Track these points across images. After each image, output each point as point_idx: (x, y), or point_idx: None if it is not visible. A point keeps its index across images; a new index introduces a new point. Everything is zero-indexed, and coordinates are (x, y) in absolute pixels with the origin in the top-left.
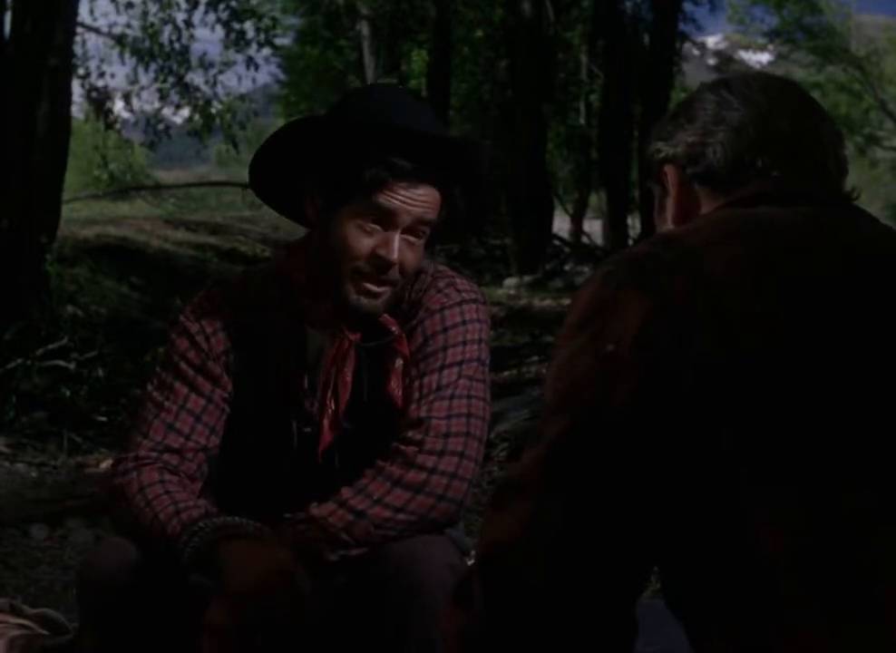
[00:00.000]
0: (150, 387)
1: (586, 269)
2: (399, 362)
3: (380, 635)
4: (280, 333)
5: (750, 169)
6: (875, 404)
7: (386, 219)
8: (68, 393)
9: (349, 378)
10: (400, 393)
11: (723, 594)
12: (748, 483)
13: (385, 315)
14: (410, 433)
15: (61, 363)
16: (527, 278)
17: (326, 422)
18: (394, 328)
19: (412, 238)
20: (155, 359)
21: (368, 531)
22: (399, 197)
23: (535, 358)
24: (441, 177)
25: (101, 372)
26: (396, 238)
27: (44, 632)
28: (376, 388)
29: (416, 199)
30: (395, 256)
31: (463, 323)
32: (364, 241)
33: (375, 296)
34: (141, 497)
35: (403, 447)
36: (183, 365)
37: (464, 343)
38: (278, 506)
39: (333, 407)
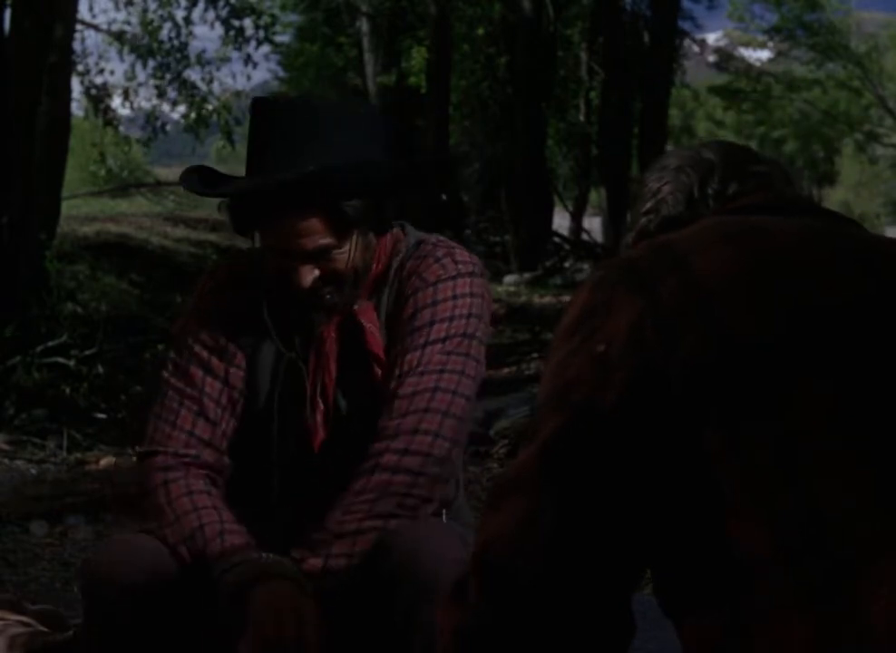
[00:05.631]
0: (166, 373)
1: (586, 266)
2: (376, 348)
3: (387, 631)
4: (281, 314)
5: (703, 200)
6: (862, 405)
7: (280, 253)
8: (68, 389)
9: (334, 374)
10: (380, 374)
11: (704, 588)
12: (732, 482)
13: (366, 305)
14: (382, 418)
15: (60, 360)
16: (527, 275)
17: (318, 417)
18: (365, 323)
19: (321, 261)
20: (156, 357)
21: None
22: (272, 237)
23: (535, 355)
24: (308, 203)
25: (100, 369)
26: (299, 269)
27: (45, 629)
28: (361, 376)
29: (290, 232)
30: (304, 283)
31: (454, 298)
32: (278, 269)
33: (319, 297)
34: (189, 501)
35: (376, 444)
36: (197, 348)
37: (451, 319)
38: (276, 494)
39: (322, 406)
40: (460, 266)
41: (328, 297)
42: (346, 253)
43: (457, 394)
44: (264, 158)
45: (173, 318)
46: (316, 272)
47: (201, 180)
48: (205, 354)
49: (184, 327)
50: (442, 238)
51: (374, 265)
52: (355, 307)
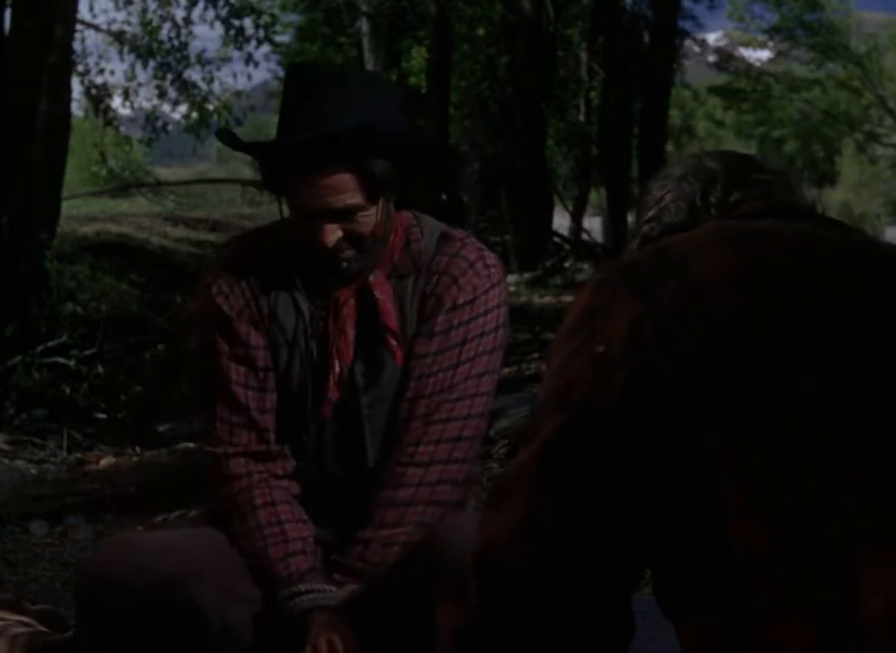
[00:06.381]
0: (200, 365)
1: (586, 266)
2: (389, 321)
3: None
4: (301, 282)
5: (705, 208)
6: (862, 405)
7: (306, 212)
8: (68, 390)
9: (352, 338)
10: (399, 351)
11: (704, 588)
12: (732, 482)
13: (381, 279)
14: (412, 439)
15: (60, 360)
16: (527, 275)
17: (332, 380)
18: (378, 295)
19: (345, 222)
20: (156, 357)
21: (380, 552)
22: (302, 193)
23: (535, 355)
24: (340, 160)
25: (100, 369)
26: (324, 228)
27: (45, 629)
28: (374, 345)
29: (319, 191)
30: (327, 242)
31: (485, 313)
32: (304, 230)
33: (339, 260)
34: (254, 520)
35: (396, 466)
36: (224, 334)
37: (482, 334)
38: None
39: (338, 367)
40: (492, 272)
41: (347, 263)
42: (372, 216)
43: (483, 417)
44: (297, 119)
45: (173, 318)
46: (340, 233)
47: (234, 138)
48: (236, 348)
49: (208, 309)
50: (465, 233)
51: (393, 237)
52: (371, 278)
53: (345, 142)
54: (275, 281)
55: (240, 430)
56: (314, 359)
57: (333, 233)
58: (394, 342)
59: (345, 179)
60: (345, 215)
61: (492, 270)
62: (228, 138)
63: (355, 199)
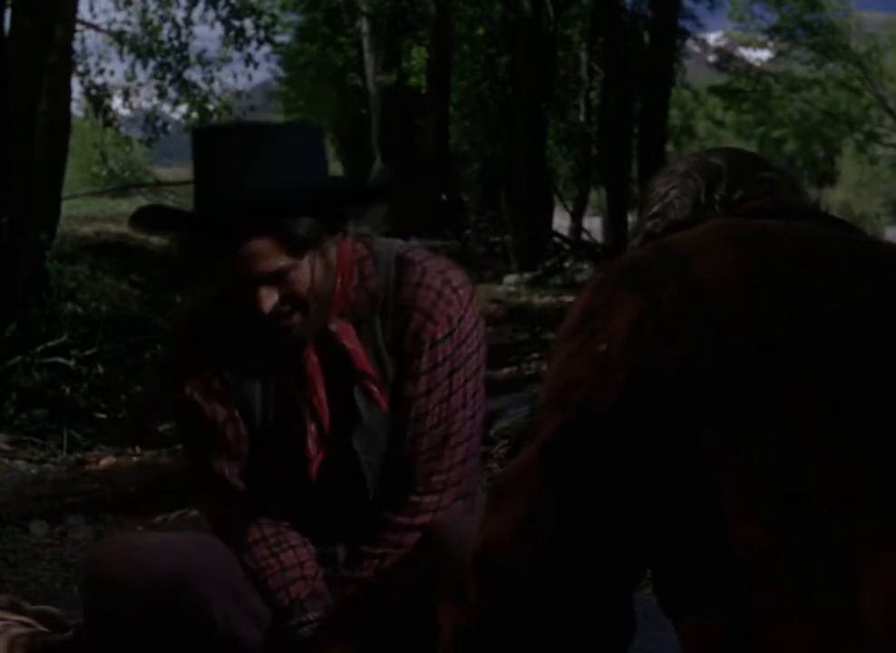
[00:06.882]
0: (180, 431)
1: (586, 267)
2: (364, 366)
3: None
4: (261, 348)
5: (709, 205)
6: (862, 405)
7: (236, 282)
8: (68, 390)
9: (324, 396)
10: (382, 396)
11: (704, 588)
12: (732, 482)
13: (343, 326)
14: (418, 472)
15: (60, 360)
16: (527, 275)
17: (311, 443)
18: (347, 344)
19: (279, 284)
20: (156, 357)
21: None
22: (229, 266)
23: (535, 355)
24: (259, 226)
25: (100, 369)
26: (258, 295)
27: (45, 629)
28: (350, 395)
29: (244, 258)
30: (265, 309)
31: (465, 340)
32: (239, 298)
33: (287, 328)
34: (249, 557)
35: (412, 495)
36: (195, 420)
37: (466, 359)
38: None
39: (313, 428)
40: (461, 295)
41: (295, 331)
42: (305, 273)
43: (477, 440)
44: (210, 187)
45: (173, 318)
46: (276, 296)
47: (154, 218)
48: (209, 429)
49: (177, 387)
50: (420, 249)
51: (338, 282)
52: (332, 327)
53: (259, 211)
54: (234, 351)
55: (230, 509)
56: (288, 423)
57: (269, 298)
58: (374, 388)
59: (267, 244)
60: (275, 278)
61: (461, 292)
62: (146, 224)
63: (281, 261)
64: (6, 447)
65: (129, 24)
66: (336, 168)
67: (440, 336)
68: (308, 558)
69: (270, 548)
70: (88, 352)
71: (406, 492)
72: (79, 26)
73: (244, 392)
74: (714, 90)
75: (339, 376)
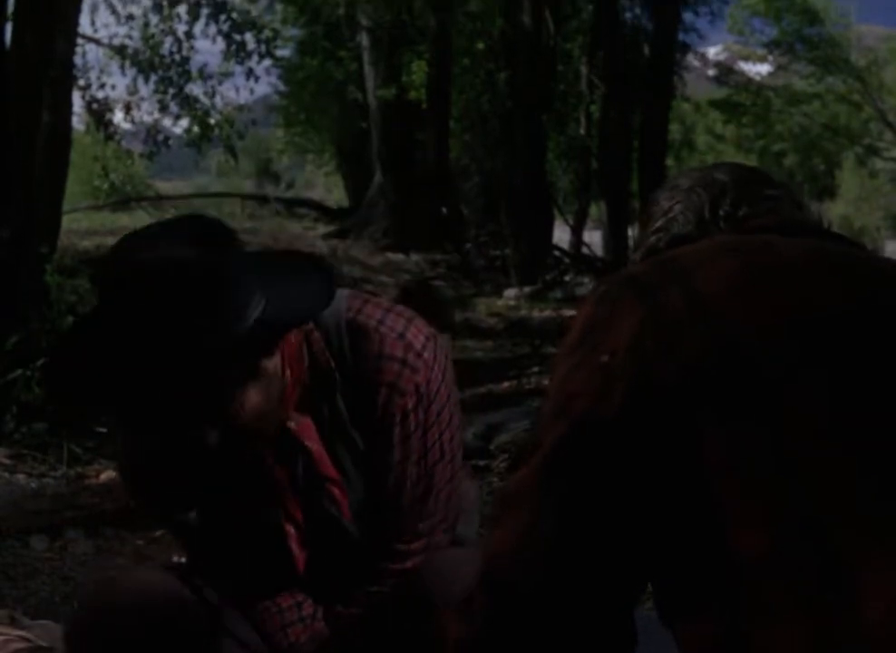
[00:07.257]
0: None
1: (586, 280)
2: (328, 471)
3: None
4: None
5: (713, 221)
6: (862, 410)
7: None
8: None
9: (297, 498)
10: (344, 501)
11: (704, 593)
12: (732, 489)
13: (303, 422)
14: (403, 525)
15: None
16: (527, 289)
17: (293, 544)
18: (308, 444)
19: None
20: None
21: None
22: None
23: (535, 369)
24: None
25: None
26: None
27: (45, 644)
28: (321, 493)
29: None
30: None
31: (435, 396)
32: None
33: (245, 444)
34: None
35: (399, 543)
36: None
37: (438, 414)
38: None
39: (293, 530)
40: (425, 356)
41: (255, 445)
42: (249, 405)
43: (457, 464)
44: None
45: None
46: (217, 438)
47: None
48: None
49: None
50: (369, 304)
51: (287, 375)
52: (290, 425)
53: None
54: (190, 486)
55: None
56: (264, 532)
57: (213, 439)
58: (336, 491)
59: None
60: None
61: (426, 355)
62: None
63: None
64: (6, 461)
65: (130, 38)
66: (336, 181)
67: (410, 405)
68: (305, 598)
69: (276, 601)
70: None
71: (394, 541)
72: (80, 40)
73: (208, 504)
74: (714, 103)
75: (306, 472)
